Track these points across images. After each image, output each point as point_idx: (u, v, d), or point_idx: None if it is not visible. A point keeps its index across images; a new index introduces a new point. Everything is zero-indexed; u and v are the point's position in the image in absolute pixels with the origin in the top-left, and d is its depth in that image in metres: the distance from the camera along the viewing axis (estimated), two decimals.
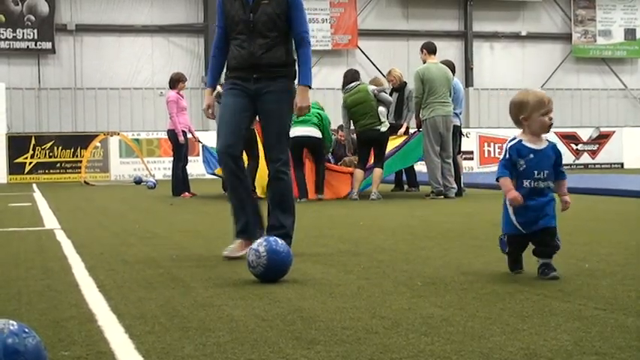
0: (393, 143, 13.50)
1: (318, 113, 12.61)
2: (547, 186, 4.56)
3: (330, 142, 13.05)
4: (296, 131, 12.29)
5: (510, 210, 4.59)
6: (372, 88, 12.67)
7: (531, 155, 4.53)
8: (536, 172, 4.53)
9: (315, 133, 12.52)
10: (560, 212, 4.57)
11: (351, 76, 12.81)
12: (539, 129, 4.55)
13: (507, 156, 4.57)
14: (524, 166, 4.53)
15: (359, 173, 12.51)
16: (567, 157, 26.92)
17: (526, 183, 4.53)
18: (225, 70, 5.95)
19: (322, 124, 12.63)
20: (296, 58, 5.86)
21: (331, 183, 13.00)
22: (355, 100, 12.47)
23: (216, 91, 16.21)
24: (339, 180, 13.18)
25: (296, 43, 5.86)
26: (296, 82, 5.86)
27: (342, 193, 12.95)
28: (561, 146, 26.95)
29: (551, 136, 21.70)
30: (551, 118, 4.55)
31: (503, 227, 4.68)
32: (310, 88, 5.80)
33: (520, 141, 4.57)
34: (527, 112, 4.53)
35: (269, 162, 5.85)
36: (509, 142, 4.62)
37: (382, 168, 12.60)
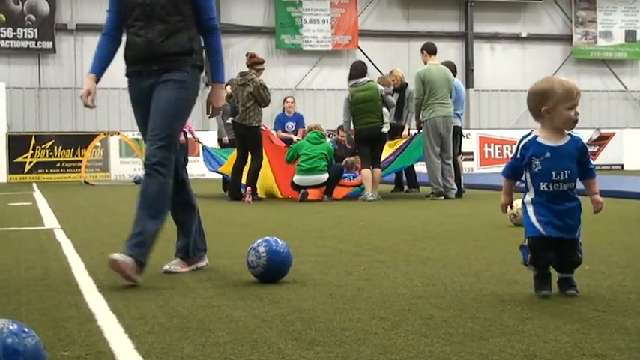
0: (393, 147, 13.50)
1: (323, 154, 12.46)
2: (570, 188, 3.97)
3: (332, 159, 12.86)
4: (303, 181, 12.32)
5: (530, 209, 4.00)
6: (380, 88, 12.63)
7: (548, 154, 3.95)
8: (554, 173, 3.94)
9: (323, 178, 12.45)
10: (593, 215, 4.21)
11: (361, 70, 12.68)
12: (562, 124, 3.96)
13: (518, 156, 4.05)
14: (540, 167, 3.96)
15: (367, 173, 12.40)
16: None
17: (543, 186, 3.95)
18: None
19: (329, 162, 12.52)
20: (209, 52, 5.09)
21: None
22: (364, 97, 12.38)
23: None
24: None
25: (203, 31, 5.06)
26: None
27: (338, 195, 12.92)
28: None
29: None
30: (577, 113, 3.94)
31: (525, 231, 4.05)
32: (222, 83, 5.18)
33: (535, 138, 4.01)
34: (552, 103, 3.93)
35: (145, 159, 5.00)
36: (522, 138, 4.09)
37: (380, 168, 12.56)
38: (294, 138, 15.78)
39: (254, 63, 12.93)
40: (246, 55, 13.29)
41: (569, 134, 4.00)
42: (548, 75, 4.08)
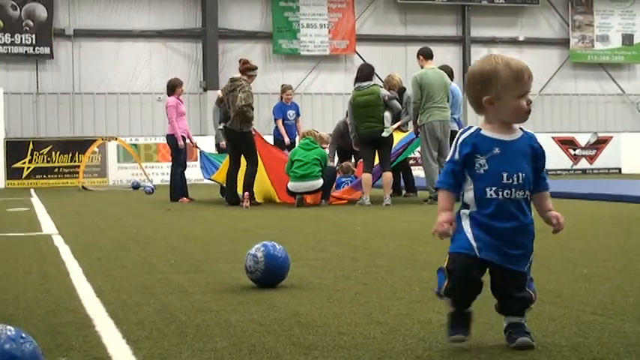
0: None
1: (317, 159, 12.44)
2: (524, 197, 3.04)
3: (326, 163, 12.81)
4: (298, 187, 12.31)
5: (466, 221, 3.05)
6: (383, 93, 12.61)
7: (496, 150, 3.03)
8: (505, 174, 3.01)
9: (317, 184, 12.44)
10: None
11: (367, 74, 12.65)
12: (511, 117, 3.08)
13: (456, 156, 3.08)
14: (487, 167, 3.02)
15: (367, 177, 12.38)
16: (565, 163, 26.94)
17: (490, 192, 3.01)
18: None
19: (323, 167, 12.50)
20: None
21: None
22: (364, 102, 12.40)
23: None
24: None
25: None
26: None
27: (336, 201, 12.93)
28: (559, 152, 26.99)
29: (549, 142, 21.82)
30: (529, 102, 3.08)
31: (451, 244, 3.10)
32: None
33: (479, 131, 3.09)
34: (496, 91, 3.04)
35: None
36: (461, 133, 3.14)
37: (390, 171, 12.55)
38: (287, 141, 15.80)
39: (246, 69, 12.91)
40: (239, 60, 13.30)
41: (521, 128, 3.15)
42: (496, 55, 3.16)
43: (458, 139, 3.09)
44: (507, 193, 3.01)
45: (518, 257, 3.00)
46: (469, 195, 3.06)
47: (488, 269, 3.03)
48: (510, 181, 3.01)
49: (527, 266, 3.04)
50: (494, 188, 3.01)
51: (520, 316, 3.05)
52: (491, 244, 2.98)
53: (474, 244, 2.98)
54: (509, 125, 3.10)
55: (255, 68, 13.09)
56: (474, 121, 32.82)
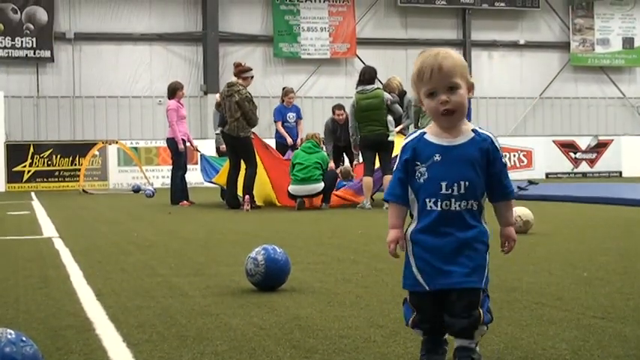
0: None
1: (318, 163, 12.44)
2: (469, 208, 2.73)
3: (327, 167, 12.81)
4: (299, 190, 12.32)
5: (410, 248, 2.81)
6: (387, 97, 12.61)
7: (437, 157, 2.74)
8: (444, 184, 2.71)
9: (318, 187, 12.43)
10: (501, 253, 3.04)
11: (370, 77, 12.65)
12: (433, 119, 2.82)
13: (400, 164, 2.83)
14: (426, 176, 2.74)
15: (368, 181, 12.36)
16: (566, 166, 26.94)
17: (430, 204, 2.73)
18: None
19: (324, 170, 12.48)
20: None
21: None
22: (368, 105, 12.38)
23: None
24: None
25: None
26: None
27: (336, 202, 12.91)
28: (560, 155, 26.98)
29: (549, 145, 21.73)
30: (445, 101, 2.73)
31: (403, 280, 2.87)
32: None
33: (422, 135, 2.81)
34: (416, 88, 2.83)
35: None
36: (406, 136, 2.92)
37: (391, 174, 12.53)
38: (290, 140, 15.78)
39: (240, 72, 12.92)
40: (233, 64, 13.33)
41: (473, 130, 2.79)
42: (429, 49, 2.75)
43: (403, 145, 2.84)
44: (446, 205, 2.71)
45: (467, 274, 2.69)
46: (413, 207, 2.80)
47: None
48: (450, 191, 2.71)
49: (478, 282, 2.71)
50: (433, 199, 2.72)
51: (469, 338, 2.72)
52: (436, 270, 2.71)
53: (421, 279, 2.74)
54: (453, 128, 2.77)
55: (249, 69, 13.08)
56: (474, 124, 32.88)
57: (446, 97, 2.72)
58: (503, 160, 2.80)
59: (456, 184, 2.71)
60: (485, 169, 2.76)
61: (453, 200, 2.71)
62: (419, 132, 2.82)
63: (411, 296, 2.81)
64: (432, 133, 2.80)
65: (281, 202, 13.31)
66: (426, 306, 2.76)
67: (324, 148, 13.60)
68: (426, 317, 2.77)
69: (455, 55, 2.80)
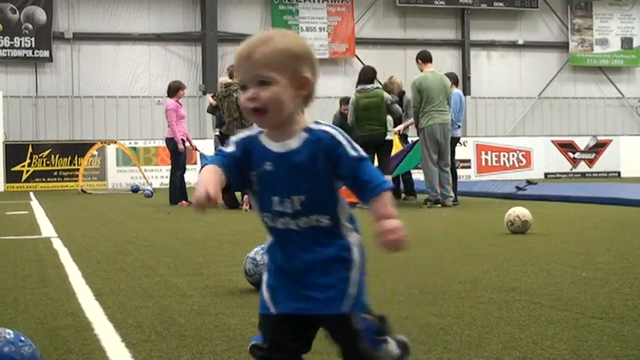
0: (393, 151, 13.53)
1: None
2: (314, 225, 2.25)
3: None
4: None
5: (266, 263, 2.34)
6: (387, 97, 12.64)
7: (268, 165, 2.26)
8: (275, 199, 2.25)
9: None
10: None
11: (369, 76, 12.68)
12: (246, 116, 2.30)
13: (233, 146, 2.30)
14: (257, 188, 2.28)
15: None
16: (564, 166, 26.95)
17: (266, 220, 2.29)
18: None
19: None
20: None
21: None
22: (368, 104, 12.40)
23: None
24: None
25: None
26: None
27: None
28: (559, 155, 27.00)
29: (548, 145, 21.76)
30: (251, 98, 2.22)
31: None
32: None
33: (258, 134, 2.30)
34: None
35: None
36: (242, 132, 2.37)
37: (390, 174, 12.55)
38: None
39: (233, 72, 12.96)
40: (227, 69, 13.40)
41: (306, 130, 2.26)
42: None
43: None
44: (283, 223, 2.25)
45: (325, 300, 2.22)
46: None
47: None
48: (283, 208, 2.24)
49: (338, 308, 2.22)
50: (267, 215, 2.27)
51: None
52: (287, 291, 2.24)
53: (268, 298, 2.25)
54: (285, 128, 2.25)
55: None
56: (473, 124, 32.38)
57: (253, 92, 2.20)
58: (356, 153, 2.24)
59: (288, 200, 2.23)
60: (331, 172, 2.23)
61: (289, 218, 2.24)
62: (256, 130, 2.29)
63: (259, 318, 2.30)
64: (266, 134, 2.28)
65: None
66: (270, 333, 2.25)
67: None
68: (272, 350, 2.25)
69: (281, 40, 2.25)
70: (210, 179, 2.17)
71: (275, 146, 2.24)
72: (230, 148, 2.27)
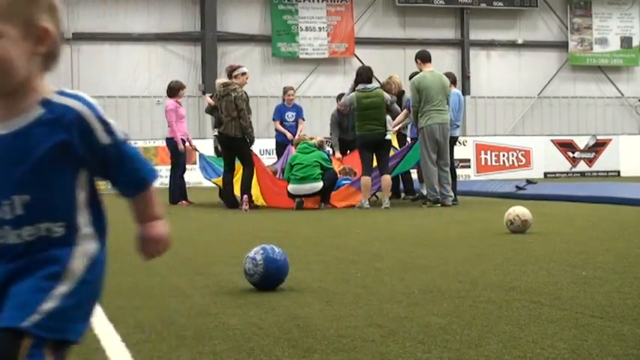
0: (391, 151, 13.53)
1: (317, 161, 12.38)
2: (44, 235, 1.82)
3: (330, 164, 12.81)
4: (298, 190, 12.32)
5: None
6: (387, 97, 12.65)
7: None
8: None
9: (317, 186, 12.38)
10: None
11: (367, 76, 12.67)
12: None
13: None
14: None
15: (366, 180, 12.36)
16: (564, 165, 26.94)
17: None
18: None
19: (323, 169, 12.43)
20: None
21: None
22: (369, 104, 12.40)
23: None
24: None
25: None
26: None
27: (337, 204, 12.87)
28: (558, 154, 27.01)
29: (547, 145, 21.76)
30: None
31: None
32: None
33: None
34: None
35: None
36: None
37: (389, 174, 12.54)
38: (289, 135, 15.77)
39: (231, 72, 13.01)
40: (225, 69, 13.41)
41: (43, 102, 1.83)
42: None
43: None
44: (1, 234, 1.74)
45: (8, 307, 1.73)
46: None
47: None
48: (0, 213, 1.73)
49: (22, 321, 1.72)
50: None
51: None
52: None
53: None
54: (15, 99, 1.75)
55: (238, 67, 13.18)
56: (472, 124, 32.39)
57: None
58: (110, 139, 1.79)
59: (7, 202, 1.71)
60: (73, 163, 1.80)
61: (9, 228, 1.73)
62: None
63: None
64: None
65: (268, 204, 13.21)
66: None
67: (330, 142, 13.66)
68: None
69: None
70: None
71: None
72: None
